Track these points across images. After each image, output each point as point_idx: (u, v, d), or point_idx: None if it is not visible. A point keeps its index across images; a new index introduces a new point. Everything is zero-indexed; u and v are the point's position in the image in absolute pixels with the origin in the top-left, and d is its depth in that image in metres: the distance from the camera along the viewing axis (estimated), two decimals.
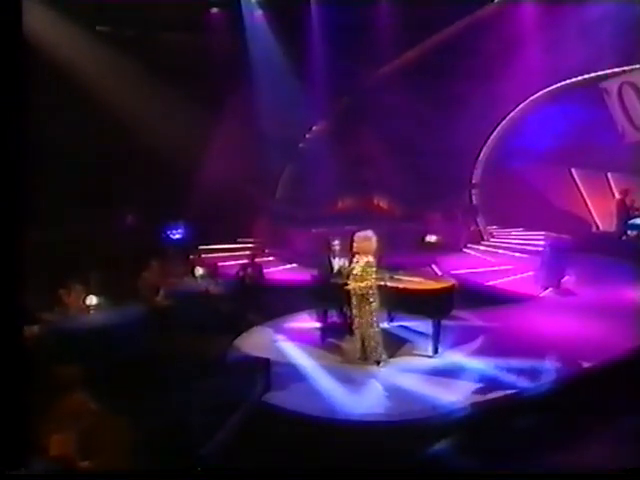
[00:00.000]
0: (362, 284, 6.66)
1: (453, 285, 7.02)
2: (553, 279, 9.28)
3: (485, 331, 7.76)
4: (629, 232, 10.90)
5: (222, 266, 10.19)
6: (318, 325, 7.99)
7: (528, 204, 12.67)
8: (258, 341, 7.92)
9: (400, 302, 7.02)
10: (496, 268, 10.87)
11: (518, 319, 8.26)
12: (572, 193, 12.91)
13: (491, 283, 9.98)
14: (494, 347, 6.98)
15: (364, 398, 6.11)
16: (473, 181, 13.61)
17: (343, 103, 13.37)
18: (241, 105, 12.30)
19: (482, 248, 12.66)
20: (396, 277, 7.38)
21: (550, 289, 9.38)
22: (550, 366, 6.37)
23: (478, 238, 13.09)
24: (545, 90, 12.31)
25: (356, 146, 13.24)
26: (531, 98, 12.64)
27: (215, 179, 11.99)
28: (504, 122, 13.08)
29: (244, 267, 9.66)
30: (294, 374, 6.73)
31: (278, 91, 12.02)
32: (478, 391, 6.08)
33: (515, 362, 6.43)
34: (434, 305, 6.94)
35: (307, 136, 13.67)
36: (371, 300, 6.70)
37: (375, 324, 6.81)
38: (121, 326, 7.18)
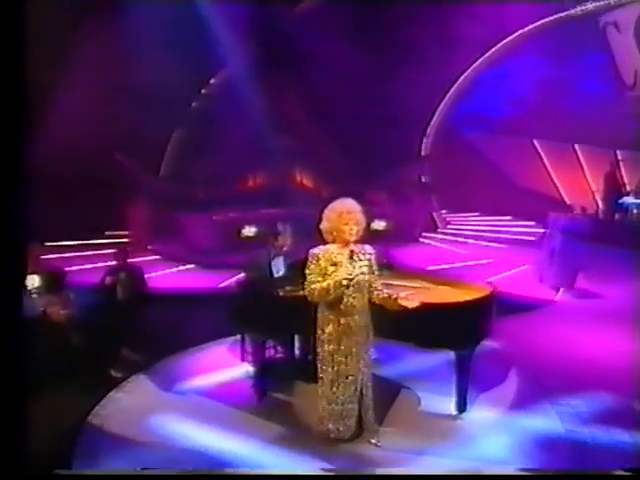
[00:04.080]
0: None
1: (492, 293, 4.28)
2: (567, 276, 6.96)
3: (511, 358, 5.24)
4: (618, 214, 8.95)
5: (76, 272, 6.65)
6: (248, 367, 4.88)
7: (487, 183, 10.62)
8: (136, 407, 4.50)
9: (403, 326, 4.04)
10: (474, 263, 8.40)
11: (545, 335, 5.95)
12: (538, 168, 10.96)
13: None
14: (542, 383, 4.80)
15: None
16: (423, 153, 11.12)
17: (254, 48, 10.50)
18: (105, 40, 8.99)
19: (446, 237, 10.23)
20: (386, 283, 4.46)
21: (562, 290, 6.99)
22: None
23: (431, 225, 10.69)
24: (516, 34, 10.11)
25: (272, 105, 10.45)
26: (497, 47, 10.40)
27: (67, 144, 8.54)
28: (461, 79, 10.81)
29: (113, 272, 6.14)
30: None
31: (160, 25, 9.05)
32: None
33: (590, 403, 4.48)
34: (461, 328, 4.18)
35: (203, 91, 10.95)
36: (370, 328, 3.79)
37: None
38: None
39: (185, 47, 9.21)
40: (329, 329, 3.78)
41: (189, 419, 4.28)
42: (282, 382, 4.70)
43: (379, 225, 9.33)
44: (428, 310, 4.05)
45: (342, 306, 3.74)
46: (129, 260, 6.71)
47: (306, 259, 3.79)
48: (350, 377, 3.80)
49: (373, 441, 3.92)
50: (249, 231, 9.03)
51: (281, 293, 4.33)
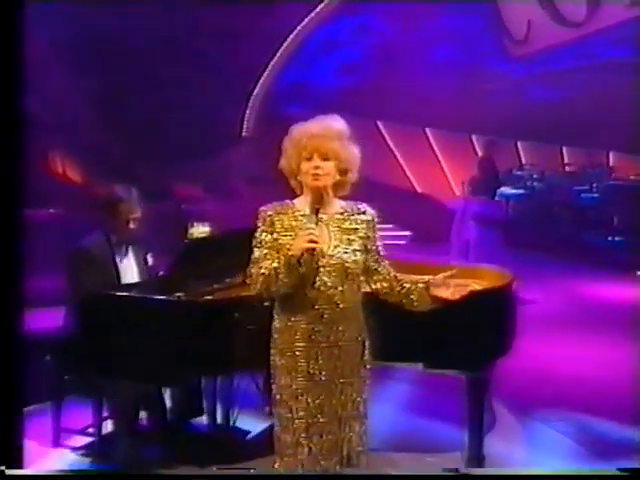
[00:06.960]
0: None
1: (512, 281, 3.52)
2: None
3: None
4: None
5: None
6: (74, 455, 3.45)
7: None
8: None
9: (409, 337, 3.09)
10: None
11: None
12: (386, 157, 10.87)
13: None
14: (533, 409, 4.47)
15: None
16: (244, 133, 10.64)
17: None
18: None
19: None
20: None
21: None
22: None
23: None
24: None
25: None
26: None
27: None
28: (288, 40, 10.49)
29: None
30: None
31: None
32: None
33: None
34: (483, 335, 3.29)
35: None
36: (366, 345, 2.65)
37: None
38: None
39: None
40: (292, 349, 2.37)
41: None
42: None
43: (201, 228, 7.97)
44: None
45: (317, 306, 2.35)
46: None
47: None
48: (329, 436, 2.41)
49: None
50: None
51: (182, 298, 2.92)
